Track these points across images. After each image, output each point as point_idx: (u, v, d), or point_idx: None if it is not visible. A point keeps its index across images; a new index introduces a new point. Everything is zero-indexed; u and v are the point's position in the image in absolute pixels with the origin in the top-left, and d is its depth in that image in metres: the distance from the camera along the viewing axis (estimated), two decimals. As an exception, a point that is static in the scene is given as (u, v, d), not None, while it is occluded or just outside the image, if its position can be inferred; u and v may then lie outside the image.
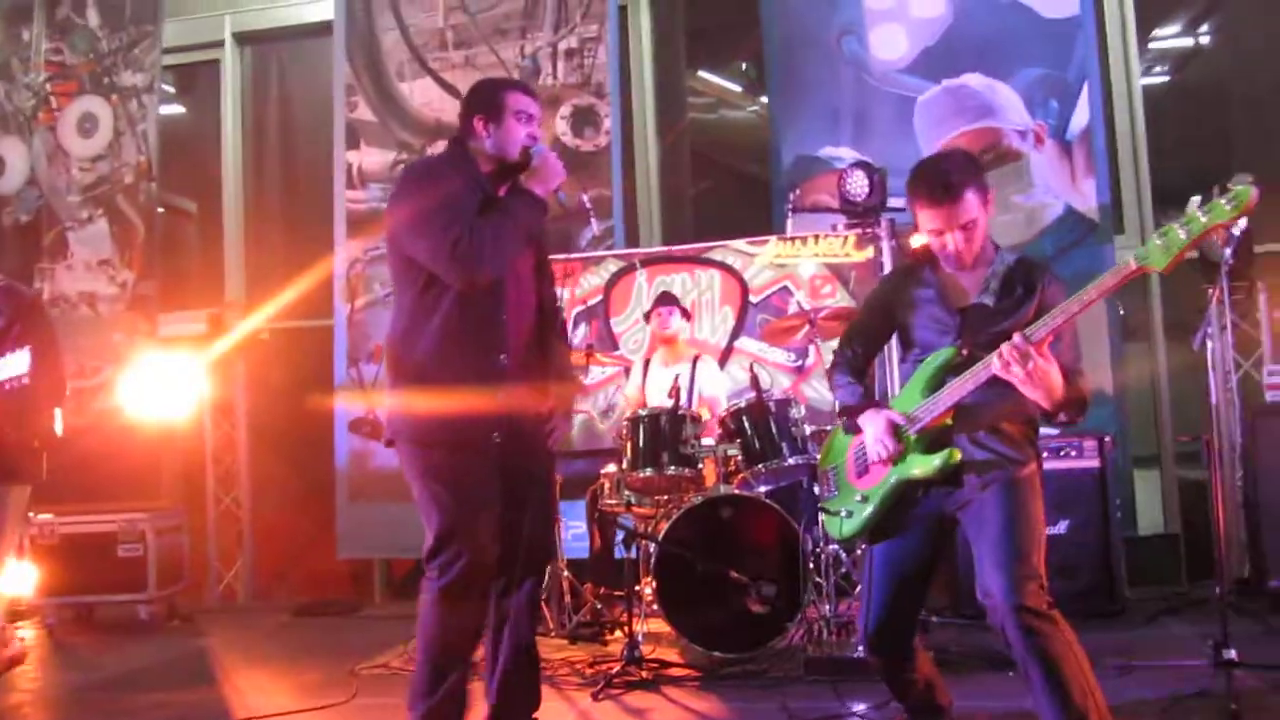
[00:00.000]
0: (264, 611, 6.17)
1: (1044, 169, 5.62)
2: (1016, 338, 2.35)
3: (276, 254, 7.25)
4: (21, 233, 6.78)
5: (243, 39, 7.26)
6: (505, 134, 2.80)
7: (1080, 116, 5.58)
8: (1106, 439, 4.69)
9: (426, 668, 2.77)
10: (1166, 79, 6.67)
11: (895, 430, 2.61)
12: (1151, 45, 6.51)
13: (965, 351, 2.53)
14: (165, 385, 6.56)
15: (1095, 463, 4.63)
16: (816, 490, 4.11)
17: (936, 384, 2.57)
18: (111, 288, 6.58)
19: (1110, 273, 2.33)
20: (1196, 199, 2.25)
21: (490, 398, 2.74)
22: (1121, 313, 5.68)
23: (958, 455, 2.53)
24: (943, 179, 2.52)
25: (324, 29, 6.70)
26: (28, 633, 5.48)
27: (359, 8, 6.49)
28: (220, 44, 7.20)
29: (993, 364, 2.40)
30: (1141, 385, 5.78)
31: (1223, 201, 2.18)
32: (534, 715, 2.99)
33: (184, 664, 4.79)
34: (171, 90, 7.49)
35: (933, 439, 2.58)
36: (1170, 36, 6.69)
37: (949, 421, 2.57)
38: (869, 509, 2.70)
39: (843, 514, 2.77)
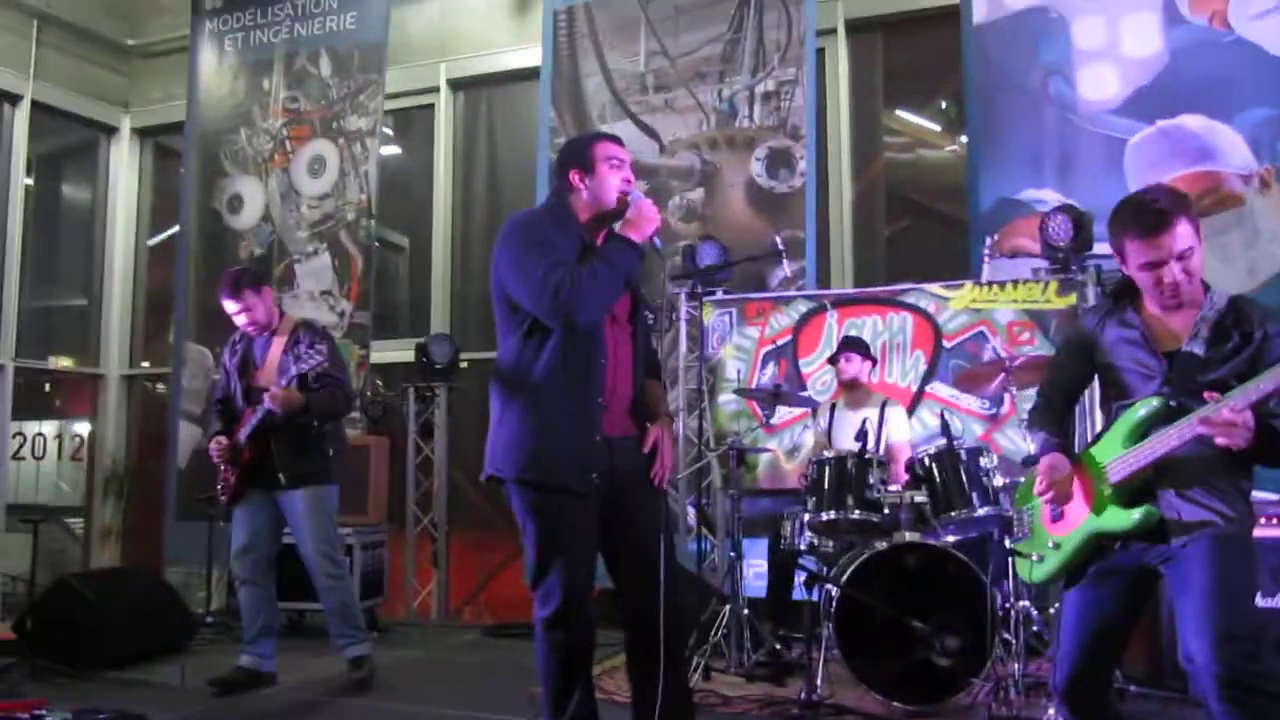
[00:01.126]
0: (454, 630, 6.44)
1: (1270, 215, 5.27)
2: (1224, 409, 2.24)
3: (481, 287, 7.62)
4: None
5: (456, 85, 7.73)
6: (599, 183, 2.90)
7: (1313, 159, 5.21)
8: (1333, 505, 4.33)
9: (547, 694, 2.87)
10: None
11: (1058, 476, 2.56)
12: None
13: (1174, 403, 2.41)
14: (375, 408, 7.01)
15: (1321, 531, 4.27)
16: (1007, 540, 4.01)
17: (1140, 434, 2.46)
18: (331, 316, 7.07)
19: None
20: None
21: (589, 439, 2.81)
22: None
23: (1156, 514, 2.42)
24: (1153, 206, 2.42)
25: (531, 74, 7.03)
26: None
27: (565, 54, 6.78)
28: (436, 90, 7.69)
29: (1196, 426, 2.30)
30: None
31: None
32: None
33: (380, 675, 5.04)
34: (390, 133, 8.03)
35: (1133, 491, 2.47)
36: None
37: (1151, 473, 2.46)
38: (1060, 557, 2.62)
39: (1034, 558, 2.71)
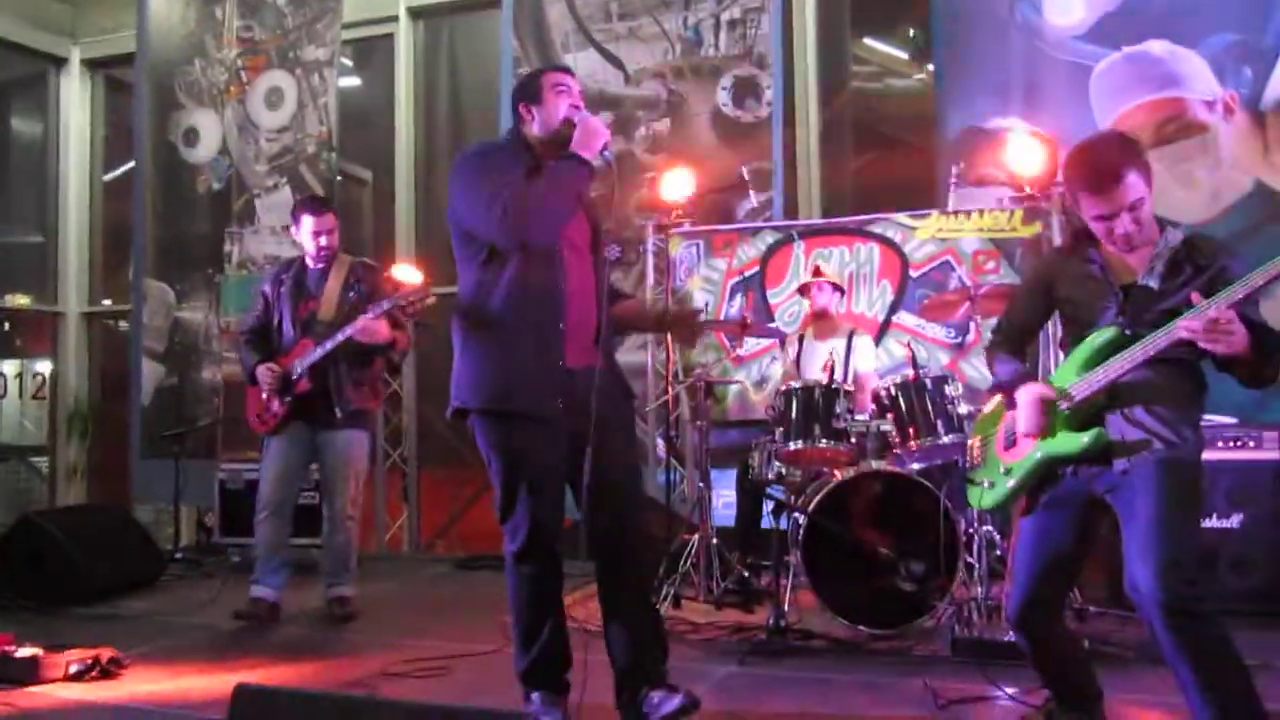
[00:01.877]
0: (425, 563, 6.49)
1: (1233, 142, 5.29)
2: (1210, 310, 2.25)
3: (444, 220, 7.52)
4: (214, 199, 7.27)
5: (416, 13, 7.55)
6: (546, 110, 2.89)
7: (1277, 85, 5.22)
8: (1289, 428, 4.43)
9: (517, 626, 2.91)
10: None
11: (1045, 405, 2.56)
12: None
13: (1128, 331, 2.46)
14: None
15: (1275, 454, 4.36)
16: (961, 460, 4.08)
17: (1095, 362, 2.51)
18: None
19: None
20: None
21: (551, 367, 2.80)
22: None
23: (1105, 435, 2.48)
24: (1102, 163, 2.45)
25: (492, 2, 6.87)
26: (220, 569, 5.92)
27: (527, -20, 6.63)
28: (395, 18, 7.51)
29: (1176, 332, 2.32)
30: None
31: None
32: (663, 667, 2.99)
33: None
34: (349, 63, 7.85)
35: (1084, 417, 2.53)
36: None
37: (1102, 399, 2.50)
38: (1011, 482, 2.68)
39: (985, 484, 2.78)
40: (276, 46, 7.14)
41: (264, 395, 4.55)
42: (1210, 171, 5.31)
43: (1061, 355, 2.70)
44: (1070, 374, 2.57)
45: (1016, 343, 2.81)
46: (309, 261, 4.64)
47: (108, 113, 8.64)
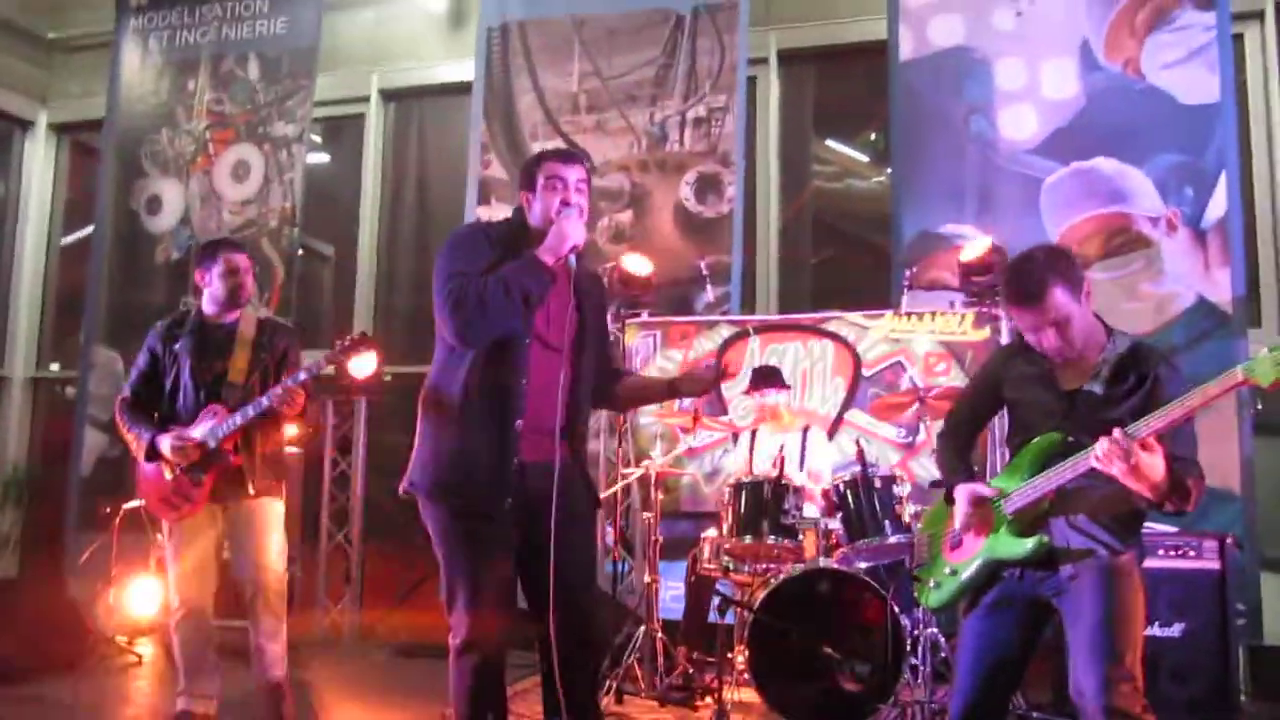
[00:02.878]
0: (366, 648, 6.33)
1: (1176, 257, 5.47)
2: (1117, 434, 2.31)
3: (404, 299, 7.54)
4: (172, 269, 7.23)
5: (388, 95, 7.66)
6: (541, 204, 2.88)
7: (1217, 205, 5.43)
8: (1229, 540, 4.49)
9: (458, 718, 2.84)
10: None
11: (982, 503, 2.59)
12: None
13: (1070, 439, 2.50)
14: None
15: (1215, 564, 4.41)
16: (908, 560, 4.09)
17: (1038, 467, 2.55)
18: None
19: (1216, 381, 2.26)
20: None
21: (502, 463, 2.76)
22: (1259, 407, 5.46)
23: (1047, 542, 2.51)
24: (1026, 281, 2.52)
25: (464, 89, 6.99)
26: (147, 650, 5.73)
27: (498, 70, 6.77)
28: (367, 99, 7.61)
29: (1091, 457, 2.37)
30: (1278, 484, 5.53)
31: None
32: None
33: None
34: (319, 140, 7.92)
35: (1029, 522, 2.56)
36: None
37: (1047, 505, 2.53)
38: (956, 583, 2.70)
39: (931, 584, 2.80)
40: (246, 121, 7.20)
41: (170, 473, 3.89)
42: (1155, 284, 5.48)
43: (1007, 453, 2.74)
44: (1015, 477, 2.60)
45: (965, 436, 2.86)
46: (212, 313, 4.03)
47: (71, 177, 8.62)
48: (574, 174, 2.90)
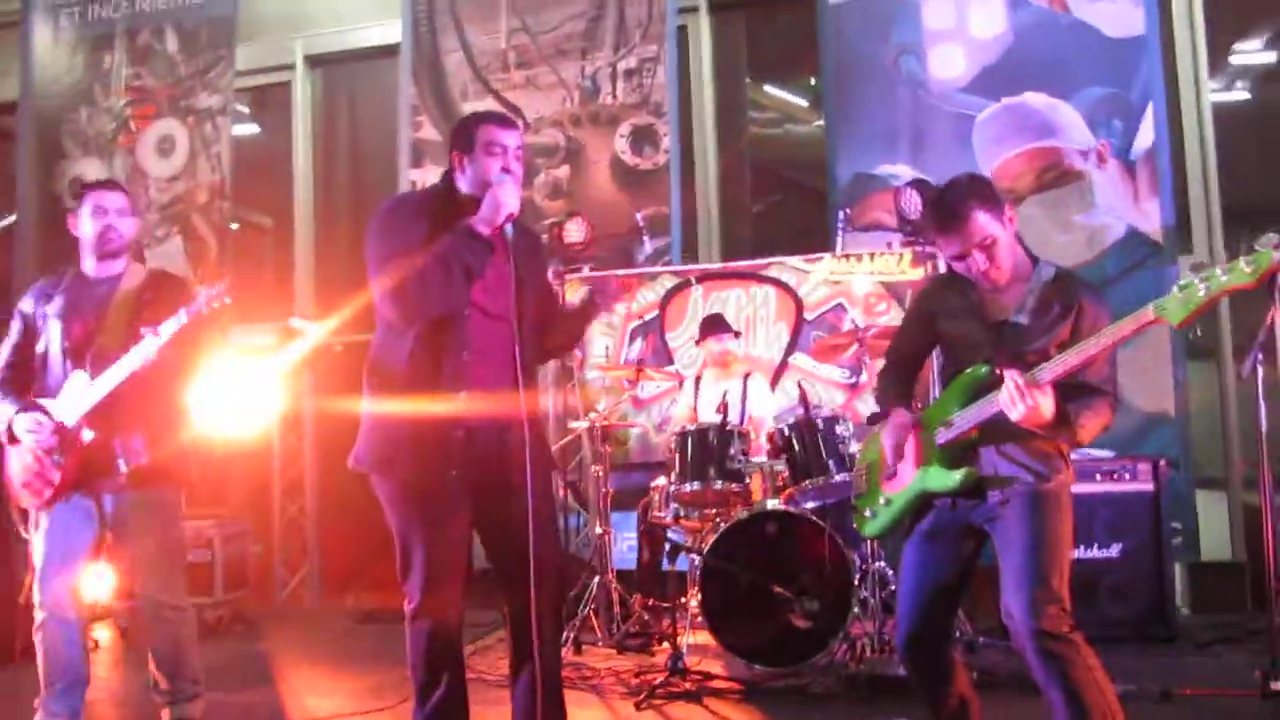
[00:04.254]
0: (327, 617, 6.34)
1: (1106, 189, 5.56)
2: (1017, 377, 2.36)
3: (345, 268, 7.44)
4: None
5: (313, 61, 7.51)
6: (477, 168, 2.82)
7: (1145, 136, 5.51)
8: (1161, 462, 4.62)
9: (414, 681, 2.84)
10: (1247, 95, 6.54)
11: (906, 434, 2.67)
12: (1232, 60, 6.40)
13: (998, 370, 2.54)
14: (235, 397, 6.79)
15: (1149, 486, 4.55)
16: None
17: (967, 399, 2.60)
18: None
19: (1129, 319, 2.30)
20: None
21: (447, 434, 2.75)
22: (1197, 334, 5.59)
23: (975, 474, 2.57)
24: (947, 206, 2.55)
25: (391, 51, 6.89)
26: (103, 634, 5.69)
27: (424, 31, 6.67)
28: (292, 67, 7.45)
29: (997, 401, 2.43)
30: (1211, 407, 5.68)
31: (1242, 264, 2.16)
32: None
33: (245, 666, 4.94)
34: (246, 111, 7.76)
35: (958, 453, 2.61)
36: (1252, 51, 6.56)
37: (975, 436, 2.58)
38: (891, 512, 2.77)
39: (868, 513, 2.87)
40: (168, 95, 7.03)
41: (31, 456, 3.32)
42: (1086, 216, 5.57)
43: (939, 386, 2.79)
44: (948, 408, 2.65)
45: (904, 371, 2.90)
46: (90, 269, 3.44)
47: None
48: (513, 140, 2.85)
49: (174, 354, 3.26)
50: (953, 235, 2.54)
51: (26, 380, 3.40)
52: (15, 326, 3.48)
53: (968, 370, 2.62)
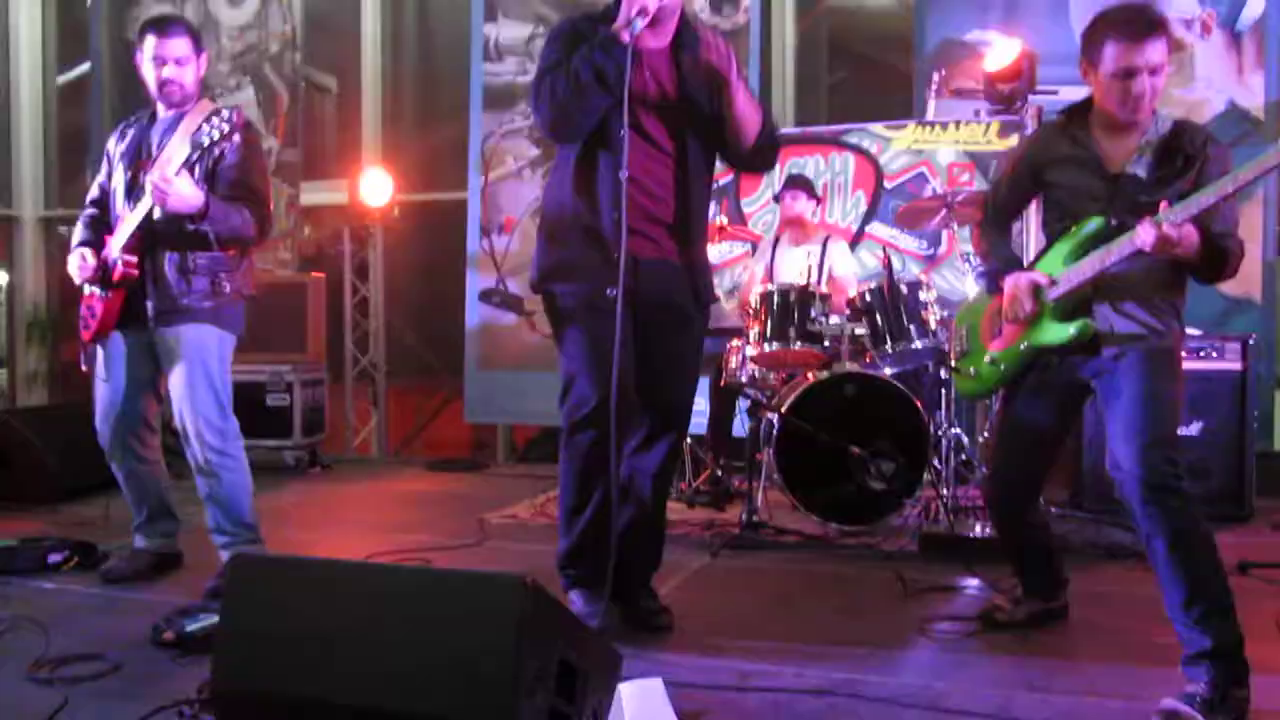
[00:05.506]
0: (397, 466, 6.51)
1: (1208, 61, 5.33)
2: (1160, 218, 2.29)
3: (413, 128, 7.39)
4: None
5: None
6: None
7: (1254, 5, 5.25)
8: (1250, 340, 4.53)
9: (563, 507, 2.91)
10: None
11: (1035, 291, 2.59)
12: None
13: (1115, 222, 2.48)
14: (308, 249, 6.86)
15: (1237, 365, 4.47)
16: (943, 370, 4.14)
17: (1081, 252, 2.53)
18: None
19: (1273, 152, 2.22)
20: None
21: (603, 257, 2.73)
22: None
23: (1091, 327, 2.51)
24: (1143, 14, 2.44)
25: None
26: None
27: (502, -123, 6.45)
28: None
29: (1134, 240, 2.36)
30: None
31: None
32: (651, 574, 3.04)
33: (327, 505, 5.11)
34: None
35: (1070, 307, 2.56)
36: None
37: (1089, 290, 2.53)
38: (998, 371, 2.72)
39: (971, 373, 2.81)
40: (239, -60, 6.92)
41: (85, 291, 3.42)
42: (1185, 90, 5.35)
43: (1041, 237, 2.73)
44: (1057, 262, 2.59)
45: (1004, 222, 2.84)
46: (159, 110, 3.40)
47: (61, 10, 8.33)
48: None
49: (179, 192, 3.11)
50: (1136, 46, 2.40)
51: (105, 221, 3.46)
52: (102, 164, 3.54)
53: (1083, 221, 2.55)
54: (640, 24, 2.59)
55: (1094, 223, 2.52)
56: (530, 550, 3.98)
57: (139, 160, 3.34)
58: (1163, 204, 2.33)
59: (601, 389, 2.71)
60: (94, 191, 3.53)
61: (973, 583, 3.42)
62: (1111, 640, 2.83)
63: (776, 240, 5.13)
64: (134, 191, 3.32)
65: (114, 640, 2.80)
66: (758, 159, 2.98)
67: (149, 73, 3.34)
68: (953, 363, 2.95)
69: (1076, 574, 3.08)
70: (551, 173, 2.95)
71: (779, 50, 6.51)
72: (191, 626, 2.73)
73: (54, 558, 3.62)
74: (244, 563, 2.17)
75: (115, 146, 3.47)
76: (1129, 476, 2.39)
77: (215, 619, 2.38)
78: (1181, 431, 4.42)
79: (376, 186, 6.65)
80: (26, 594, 3.34)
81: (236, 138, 3.16)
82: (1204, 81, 5.33)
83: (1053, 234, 2.66)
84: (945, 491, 4.16)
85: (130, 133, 3.44)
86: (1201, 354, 4.50)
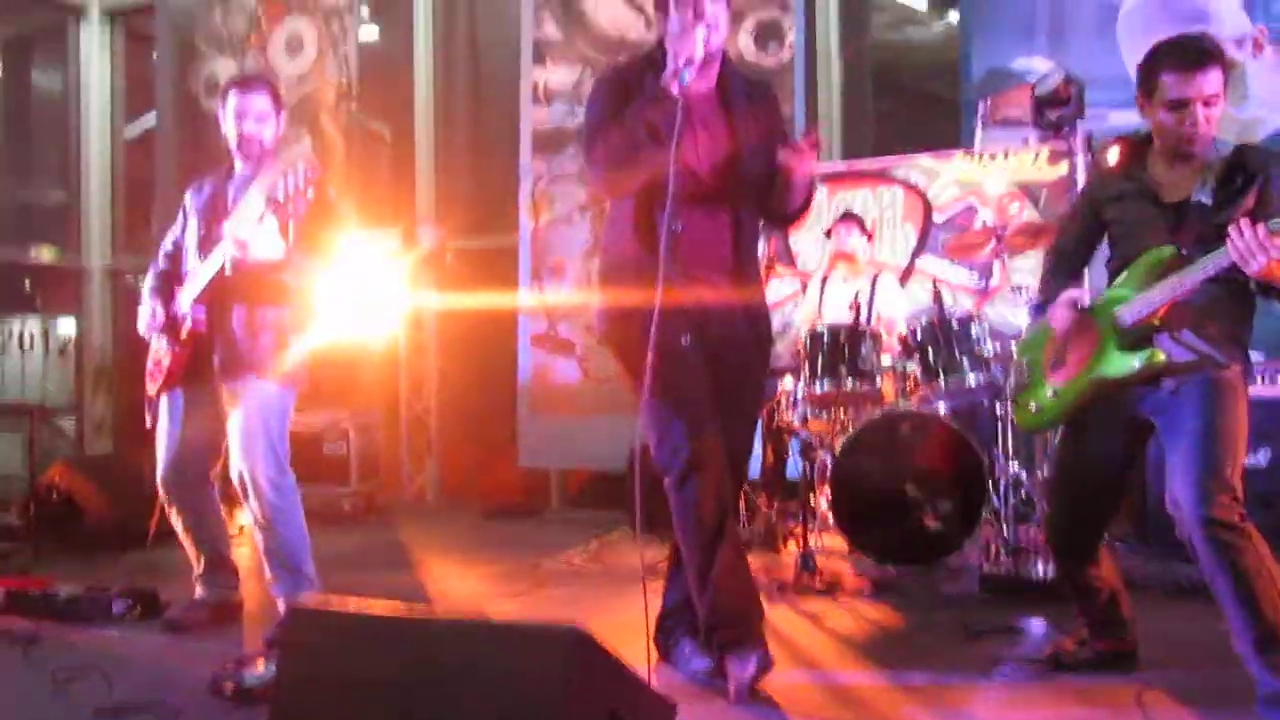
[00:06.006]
0: (452, 511, 6.55)
1: (1261, 78, 5.23)
2: (1258, 228, 2.22)
3: (464, 173, 7.50)
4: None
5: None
6: (668, 22, 2.70)
7: (1307, 22, 5.16)
8: (1319, 366, 4.41)
9: (696, 555, 2.74)
10: None
11: (1084, 316, 2.56)
12: None
13: (1184, 251, 2.43)
14: (362, 297, 6.97)
15: (1304, 391, 4.36)
16: (997, 403, 4.07)
17: (1149, 282, 2.48)
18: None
19: None
20: None
21: (668, 302, 2.65)
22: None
23: (1160, 357, 2.45)
24: (1197, 44, 2.43)
25: (511, -52, 6.80)
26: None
27: (547, -76, 6.56)
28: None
29: (1228, 254, 2.28)
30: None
31: None
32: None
33: (384, 552, 5.15)
34: (367, 14, 7.78)
35: (1135, 339, 2.50)
36: None
37: (1155, 321, 2.48)
38: (1060, 404, 2.67)
39: (1032, 408, 2.76)
40: (297, -8, 7.11)
41: (155, 344, 3.51)
42: (1238, 109, 5.25)
43: (1107, 280, 2.68)
44: (1125, 294, 2.54)
45: (1070, 265, 2.80)
46: (236, 165, 3.46)
47: (128, 64, 8.60)
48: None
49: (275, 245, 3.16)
50: (1190, 76, 2.39)
51: (177, 274, 3.52)
52: (179, 218, 3.62)
53: (1151, 251, 2.50)
54: (689, 75, 2.58)
55: (1164, 252, 2.49)
56: (580, 596, 3.98)
57: (213, 214, 3.40)
58: (1239, 224, 2.26)
59: (694, 436, 2.69)
60: (167, 245, 3.62)
61: (1037, 623, 3.35)
62: (1182, 681, 2.75)
63: (825, 279, 5.11)
64: (206, 245, 3.37)
65: (174, 688, 2.86)
66: (794, 219, 3.04)
67: (230, 128, 3.41)
68: (1013, 396, 2.91)
69: (1143, 612, 3.00)
70: (608, 223, 2.93)
71: (825, 83, 6.51)
72: (251, 679, 2.77)
73: (118, 607, 3.69)
74: (300, 614, 2.21)
75: (192, 201, 3.54)
76: (1189, 515, 2.34)
77: (273, 670, 2.41)
78: (1249, 461, 4.34)
79: (429, 234, 6.75)
80: (92, 642, 3.42)
81: (311, 193, 3.16)
82: (1257, 100, 5.24)
83: (1114, 270, 2.63)
84: (1005, 530, 4.08)
85: (207, 187, 3.52)
86: (1266, 378, 4.39)
